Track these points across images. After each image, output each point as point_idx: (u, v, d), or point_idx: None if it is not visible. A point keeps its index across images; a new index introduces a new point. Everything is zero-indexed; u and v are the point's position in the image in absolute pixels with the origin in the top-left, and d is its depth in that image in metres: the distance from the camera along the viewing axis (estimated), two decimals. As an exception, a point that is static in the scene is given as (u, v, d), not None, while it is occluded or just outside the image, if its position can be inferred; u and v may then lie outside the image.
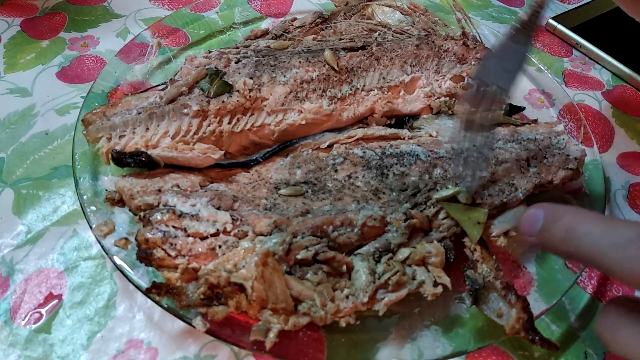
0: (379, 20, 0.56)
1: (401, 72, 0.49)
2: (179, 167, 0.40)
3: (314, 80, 0.46)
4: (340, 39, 0.52)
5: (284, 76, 0.45)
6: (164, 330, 0.36)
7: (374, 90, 0.47)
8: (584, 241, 0.24)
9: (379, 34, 0.53)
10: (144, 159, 0.38)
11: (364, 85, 0.47)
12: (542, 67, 0.57)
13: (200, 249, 0.34)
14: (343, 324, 0.32)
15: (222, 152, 0.41)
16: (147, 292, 0.33)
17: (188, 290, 0.33)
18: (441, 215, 0.38)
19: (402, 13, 0.56)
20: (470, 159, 0.38)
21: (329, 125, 0.46)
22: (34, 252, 0.39)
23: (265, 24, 0.62)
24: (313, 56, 0.47)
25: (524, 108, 0.51)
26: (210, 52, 0.47)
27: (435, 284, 0.35)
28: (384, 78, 0.48)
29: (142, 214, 0.35)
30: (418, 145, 0.43)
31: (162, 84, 0.46)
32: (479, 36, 0.54)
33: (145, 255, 0.33)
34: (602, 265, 0.24)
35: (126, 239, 0.36)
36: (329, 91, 0.46)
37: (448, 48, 0.51)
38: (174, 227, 0.34)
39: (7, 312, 0.36)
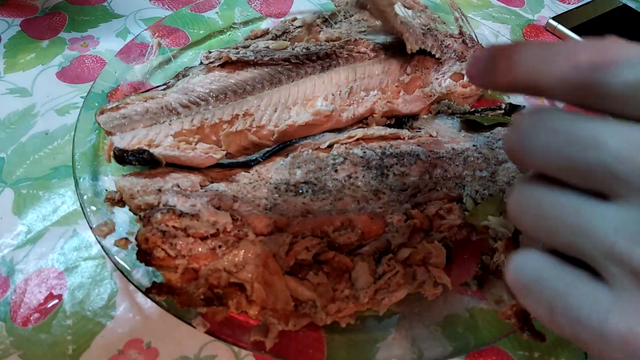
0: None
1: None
2: (179, 167, 0.40)
3: None
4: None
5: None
6: (164, 330, 0.36)
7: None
8: (522, 65, 0.22)
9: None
10: (145, 157, 0.38)
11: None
12: (542, 67, 0.57)
13: (200, 249, 0.34)
14: (343, 324, 0.33)
15: (224, 152, 0.41)
16: (147, 292, 0.33)
17: (188, 291, 0.33)
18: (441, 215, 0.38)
19: (404, 6, 0.56)
20: (470, 159, 0.38)
21: (329, 126, 0.46)
22: (34, 252, 0.39)
23: (265, 24, 0.61)
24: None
25: (524, 107, 0.51)
26: (210, 52, 0.47)
27: (435, 284, 0.35)
28: (384, 78, 0.48)
29: (142, 213, 0.35)
30: (418, 145, 0.43)
31: (163, 84, 0.46)
32: (475, 35, 0.54)
33: (145, 255, 0.33)
34: (536, 83, 0.21)
35: (126, 239, 0.36)
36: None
37: (448, 44, 0.51)
38: (174, 227, 0.34)
39: (7, 312, 0.36)
